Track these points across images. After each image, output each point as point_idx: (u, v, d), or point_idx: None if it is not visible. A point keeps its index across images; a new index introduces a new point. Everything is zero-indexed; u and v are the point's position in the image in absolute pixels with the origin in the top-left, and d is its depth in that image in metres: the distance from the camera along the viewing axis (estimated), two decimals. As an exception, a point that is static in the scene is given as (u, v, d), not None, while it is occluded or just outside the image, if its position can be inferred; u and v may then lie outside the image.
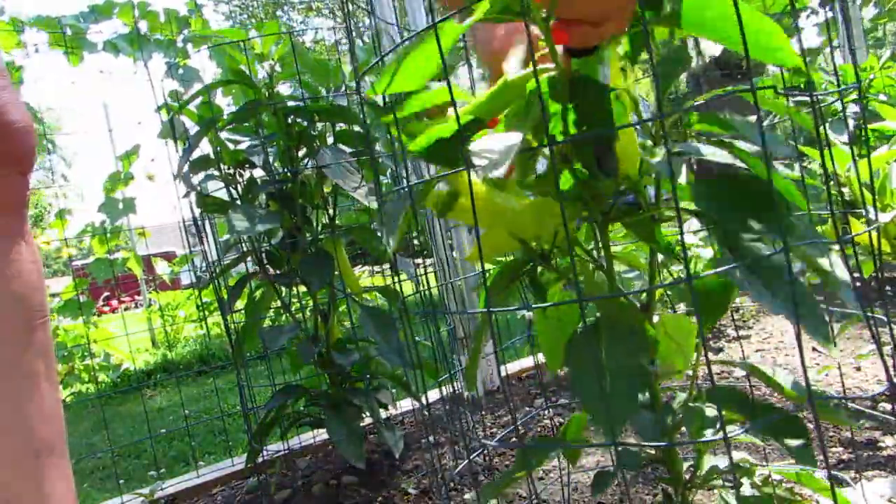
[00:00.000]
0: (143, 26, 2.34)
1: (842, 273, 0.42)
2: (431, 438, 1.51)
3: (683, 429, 0.60)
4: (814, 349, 1.67)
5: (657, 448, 0.60)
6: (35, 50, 2.21)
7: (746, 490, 0.59)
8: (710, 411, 0.56)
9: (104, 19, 2.25)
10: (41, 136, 2.29)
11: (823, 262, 0.42)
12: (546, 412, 1.55)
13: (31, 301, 0.75)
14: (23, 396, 0.74)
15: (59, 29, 2.14)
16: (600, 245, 0.56)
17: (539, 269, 0.60)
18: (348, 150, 1.23)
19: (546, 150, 0.51)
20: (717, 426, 0.60)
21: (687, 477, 0.61)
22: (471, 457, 1.32)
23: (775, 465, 0.64)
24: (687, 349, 0.58)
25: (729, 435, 0.62)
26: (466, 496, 1.15)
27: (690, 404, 0.59)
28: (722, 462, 0.62)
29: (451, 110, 0.47)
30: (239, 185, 1.28)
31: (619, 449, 0.60)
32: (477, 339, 0.65)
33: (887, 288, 2.18)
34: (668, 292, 0.69)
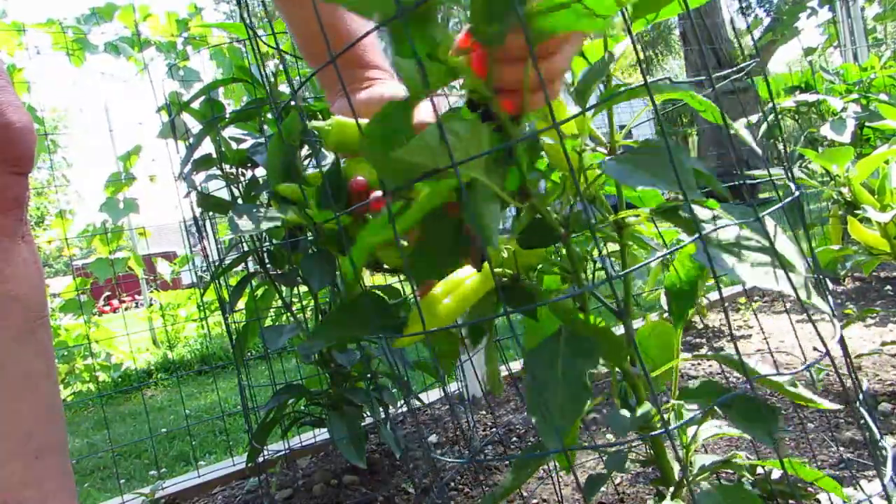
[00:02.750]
0: (144, 28, 2.36)
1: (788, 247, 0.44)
2: (434, 437, 1.52)
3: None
4: (814, 349, 1.67)
5: (648, 448, 0.61)
6: (37, 52, 2.23)
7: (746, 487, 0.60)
8: (690, 409, 0.57)
9: (105, 22, 2.27)
10: (41, 136, 2.30)
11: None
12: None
13: (31, 301, 0.76)
14: (23, 396, 0.74)
15: (62, 30, 2.15)
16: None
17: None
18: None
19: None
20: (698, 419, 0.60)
21: (678, 476, 0.61)
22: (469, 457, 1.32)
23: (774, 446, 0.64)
24: (669, 350, 0.61)
25: (713, 429, 0.63)
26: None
27: (673, 401, 0.60)
28: (711, 460, 0.63)
29: None
30: (241, 185, 1.28)
31: (607, 452, 0.60)
32: (489, 354, 0.66)
33: (887, 288, 2.18)
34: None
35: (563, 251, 0.62)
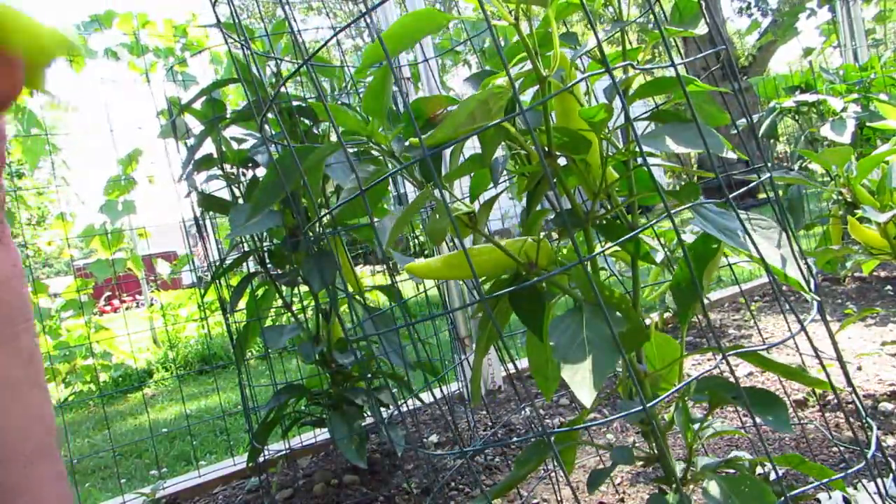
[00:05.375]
0: (143, 35, 2.37)
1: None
2: (434, 438, 1.52)
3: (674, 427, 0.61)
4: (814, 349, 1.67)
5: (651, 448, 0.62)
6: None
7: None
8: (696, 411, 0.58)
9: (105, 28, 2.28)
10: (42, 137, 2.30)
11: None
12: (546, 413, 1.56)
13: (12, 306, 0.73)
14: (9, 403, 0.72)
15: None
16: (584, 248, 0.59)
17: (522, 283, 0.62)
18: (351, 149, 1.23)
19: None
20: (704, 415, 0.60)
21: (680, 475, 0.62)
22: (469, 456, 1.32)
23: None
24: (672, 368, 0.62)
25: (717, 425, 0.63)
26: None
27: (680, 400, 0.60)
28: (713, 460, 0.63)
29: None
30: (241, 185, 1.28)
31: (609, 450, 0.61)
32: (477, 354, 0.66)
33: (887, 288, 2.18)
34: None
35: (565, 251, 0.63)
